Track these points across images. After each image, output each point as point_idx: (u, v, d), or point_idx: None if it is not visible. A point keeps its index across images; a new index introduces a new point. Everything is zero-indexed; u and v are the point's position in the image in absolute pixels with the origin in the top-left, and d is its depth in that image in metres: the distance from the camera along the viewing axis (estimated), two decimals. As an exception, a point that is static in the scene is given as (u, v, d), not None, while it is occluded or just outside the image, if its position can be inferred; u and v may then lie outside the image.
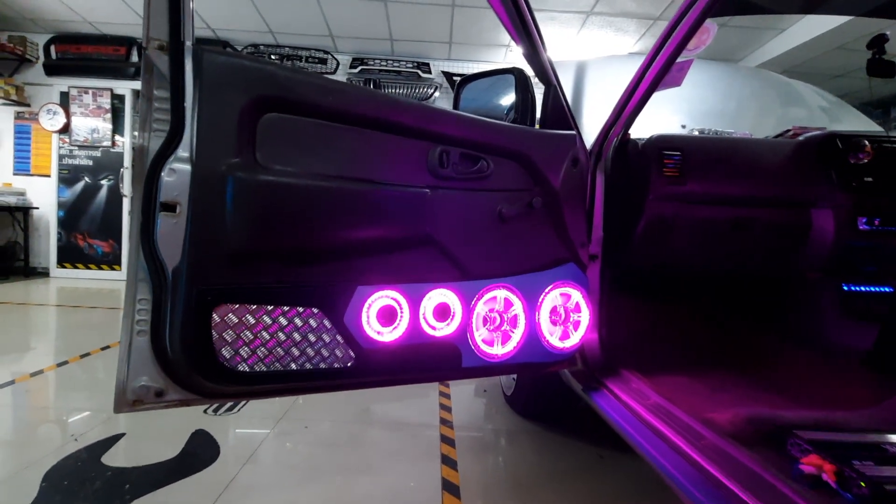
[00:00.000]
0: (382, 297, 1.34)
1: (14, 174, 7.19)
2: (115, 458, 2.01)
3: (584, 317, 1.83)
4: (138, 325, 1.16)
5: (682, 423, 1.38)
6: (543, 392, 2.41)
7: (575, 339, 1.82)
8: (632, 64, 2.05)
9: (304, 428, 2.32)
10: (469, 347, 1.61)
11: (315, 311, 1.21)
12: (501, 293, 1.67)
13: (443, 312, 1.55)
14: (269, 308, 1.17)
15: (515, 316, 1.71)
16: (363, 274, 1.27)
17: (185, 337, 1.07)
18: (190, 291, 1.05)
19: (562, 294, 1.80)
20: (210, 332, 1.09)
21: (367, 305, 1.30)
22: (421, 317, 1.50)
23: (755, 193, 1.89)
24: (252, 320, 1.14)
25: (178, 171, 1.07)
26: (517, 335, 1.71)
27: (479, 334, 1.64)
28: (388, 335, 1.44)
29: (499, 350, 1.68)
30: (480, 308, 1.63)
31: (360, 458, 2.10)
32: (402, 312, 1.43)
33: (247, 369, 1.22)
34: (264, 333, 1.16)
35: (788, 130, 2.11)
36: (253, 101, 1.13)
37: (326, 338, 1.26)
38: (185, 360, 1.08)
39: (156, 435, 2.20)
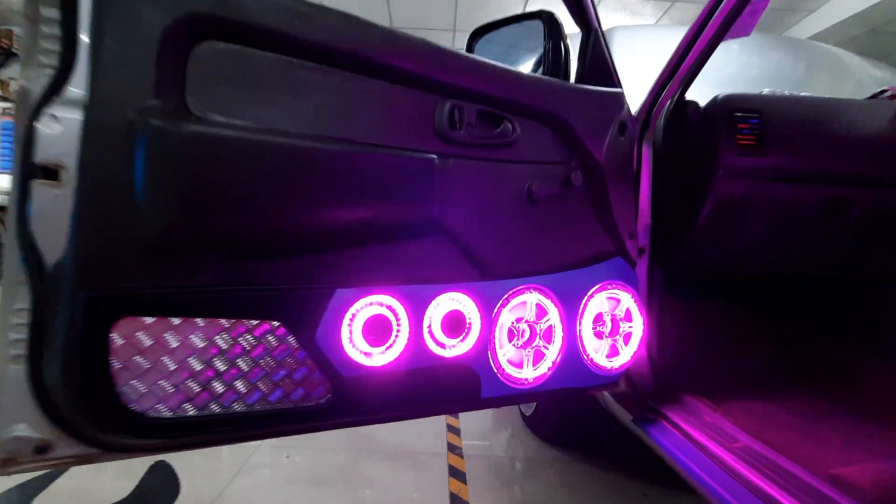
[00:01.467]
0: (372, 305, 0.94)
1: (0, 172, 6.86)
2: (53, 498, 1.60)
3: (637, 327, 1.42)
4: (13, 347, 0.76)
5: (795, 479, 0.97)
6: (574, 416, 2.02)
7: (625, 356, 1.41)
8: (660, 34, 1.65)
9: (286, 458, 1.91)
10: (490, 370, 1.20)
11: (274, 324, 0.82)
12: (532, 297, 1.26)
13: (455, 324, 1.14)
14: (202, 323, 0.77)
15: (550, 327, 1.30)
16: (344, 273, 0.88)
17: (68, 367, 0.67)
18: (76, 298, 0.66)
19: (609, 298, 1.39)
20: (107, 359, 0.69)
21: (349, 317, 0.91)
22: (425, 331, 1.10)
23: (853, 169, 1.48)
24: (174, 341, 0.74)
25: (62, 121, 0.67)
26: (552, 353, 1.30)
27: (504, 353, 1.24)
28: (379, 357, 1.04)
29: (529, 373, 1.27)
30: (505, 317, 1.23)
31: (352, 502, 1.67)
32: (399, 325, 1.03)
33: (167, 414, 0.82)
34: (194, 362, 0.76)
35: (885, 90, 1.69)
36: (181, 21, 0.73)
37: (291, 363, 0.86)
38: (72, 401, 0.68)
39: (105, 467, 1.79)
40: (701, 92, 1.60)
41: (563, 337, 1.31)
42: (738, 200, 1.52)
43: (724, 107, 1.50)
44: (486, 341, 1.20)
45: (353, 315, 0.97)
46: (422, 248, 1.02)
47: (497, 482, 1.91)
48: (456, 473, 1.94)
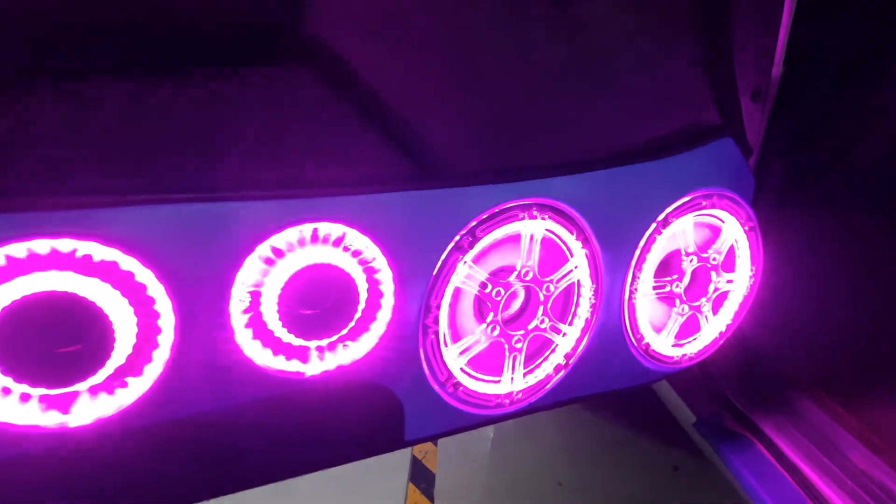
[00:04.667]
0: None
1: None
2: None
3: (742, 281, 0.71)
4: None
5: None
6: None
7: (709, 334, 0.73)
8: None
9: None
10: (426, 389, 0.54)
11: None
12: (531, 228, 0.55)
13: (326, 298, 0.46)
14: None
15: (569, 293, 0.61)
16: None
17: None
18: None
19: (699, 224, 0.67)
20: None
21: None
22: (236, 317, 0.42)
23: None
24: None
25: None
26: (566, 343, 0.62)
27: (455, 353, 0.56)
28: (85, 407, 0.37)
29: (516, 383, 0.61)
30: (461, 277, 0.53)
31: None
32: (161, 307, 0.35)
33: None
34: None
35: None
36: None
37: None
38: None
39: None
40: None
41: (591, 311, 0.62)
42: None
43: None
44: (412, 332, 0.51)
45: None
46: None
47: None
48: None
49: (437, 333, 0.53)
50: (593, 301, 0.63)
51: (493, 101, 0.54)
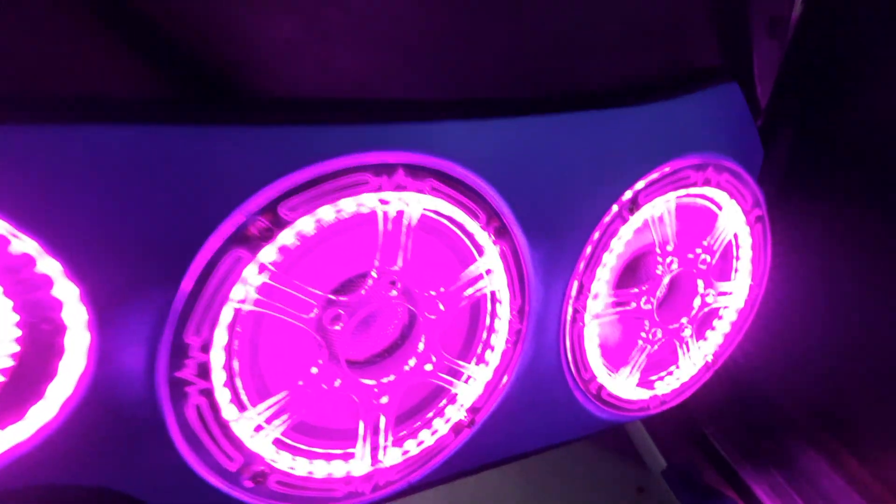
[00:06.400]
0: None
1: None
2: None
3: (739, 294, 0.49)
4: None
5: None
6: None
7: (693, 367, 0.51)
8: None
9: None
10: (190, 493, 0.30)
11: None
12: (400, 206, 0.31)
13: None
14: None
15: (479, 311, 0.38)
16: None
17: None
18: None
19: (690, 209, 0.44)
20: None
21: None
22: None
23: None
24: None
25: None
26: (473, 389, 0.39)
27: (246, 427, 0.32)
28: None
29: (375, 463, 0.37)
30: (254, 295, 0.29)
31: None
32: None
33: None
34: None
35: None
36: None
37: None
38: None
39: None
40: None
41: (512, 340, 0.39)
42: None
43: None
44: (142, 396, 0.27)
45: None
46: None
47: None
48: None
49: (207, 393, 0.29)
50: (516, 326, 0.40)
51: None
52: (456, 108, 0.33)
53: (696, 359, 0.52)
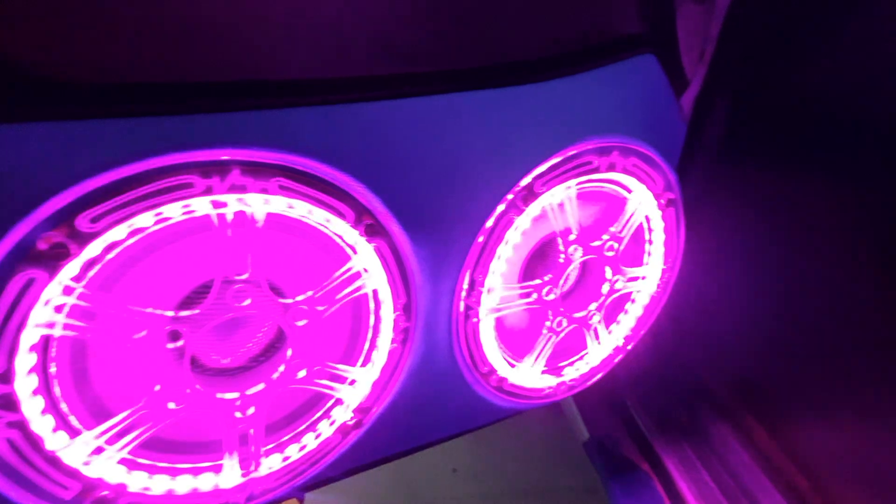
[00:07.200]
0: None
1: None
2: None
3: (651, 279, 0.48)
4: None
5: None
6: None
7: (602, 352, 0.50)
8: None
9: None
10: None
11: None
12: (238, 205, 0.27)
13: None
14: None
15: (360, 311, 0.35)
16: None
17: None
18: None
19: (595, 194, 0.42)
20: None
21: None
22: None
23: None
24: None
25: None
26: (358, 391, 0.37)
27: (78, 452, 0.30)
28: None
29: (247, 473, 0.36)
30: (54, 315, 0.25)
31: None
32: None
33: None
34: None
35: None
36: None
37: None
38: None
39: None
40: None
41: (399, 340, 0.37)
42: None
43: None
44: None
45: None
46: None
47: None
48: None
49: (20, 424, 0.26)
50: (403, 324, 0.37)
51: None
52: (307, 90, 0.29)
53: (606, 344, 0.51)
